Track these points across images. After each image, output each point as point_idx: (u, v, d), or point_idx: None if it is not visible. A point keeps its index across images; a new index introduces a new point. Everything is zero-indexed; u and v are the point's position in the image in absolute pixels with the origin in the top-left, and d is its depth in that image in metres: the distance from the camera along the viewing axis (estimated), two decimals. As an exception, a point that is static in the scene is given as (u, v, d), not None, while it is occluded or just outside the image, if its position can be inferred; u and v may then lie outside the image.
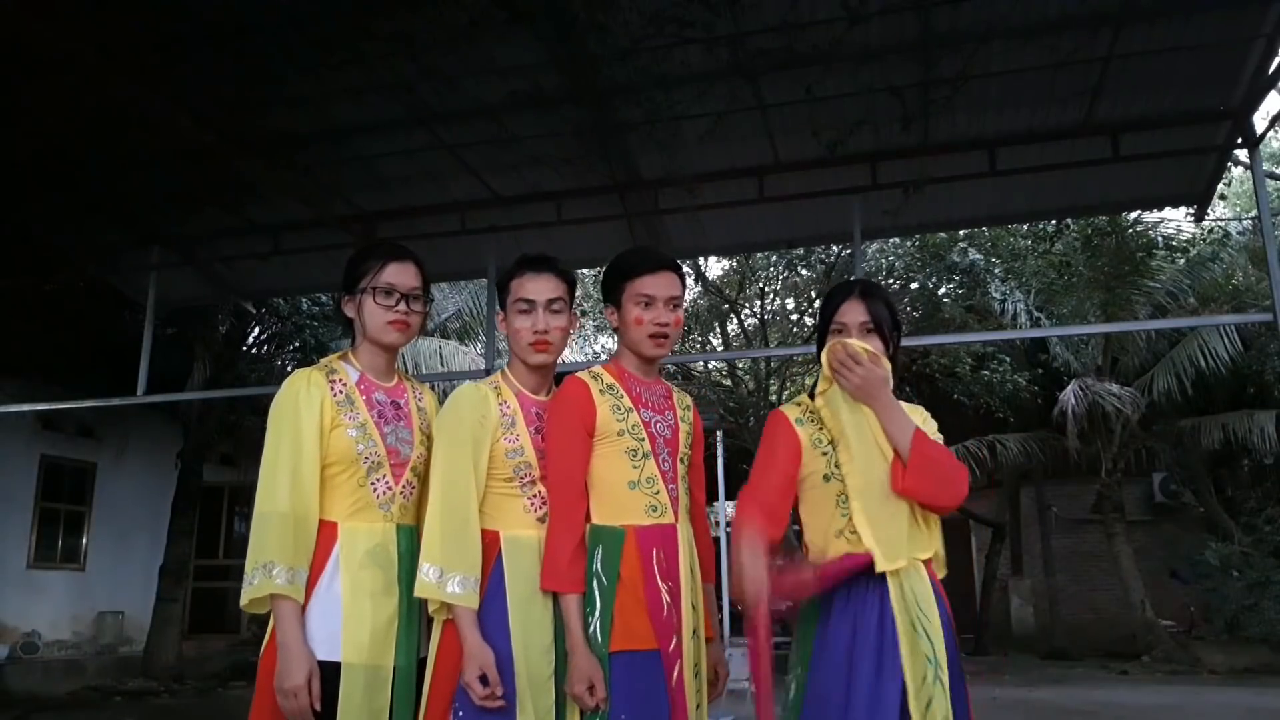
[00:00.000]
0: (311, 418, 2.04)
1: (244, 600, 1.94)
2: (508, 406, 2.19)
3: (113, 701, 9.56)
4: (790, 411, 2.27)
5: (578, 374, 2.22)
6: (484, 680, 1.96)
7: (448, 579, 2.00)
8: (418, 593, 2.02)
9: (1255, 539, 12.84)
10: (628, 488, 2.12)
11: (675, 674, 2.05)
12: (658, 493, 2.14)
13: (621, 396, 2.19)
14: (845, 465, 2.13)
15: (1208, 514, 14.50)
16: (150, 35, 4.36)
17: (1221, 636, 12.74)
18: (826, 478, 2.15)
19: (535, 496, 2.16)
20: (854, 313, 2.19)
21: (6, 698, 9.33)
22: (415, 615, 2.07)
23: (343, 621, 1.97)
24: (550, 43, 4.40)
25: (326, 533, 2.02)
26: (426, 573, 2.01)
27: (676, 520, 2.16)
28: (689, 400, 2.37)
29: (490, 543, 2.09)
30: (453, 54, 4.41)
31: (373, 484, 2.07)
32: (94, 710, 9.10)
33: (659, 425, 2.20)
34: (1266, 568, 12.35)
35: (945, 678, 2.01)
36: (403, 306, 2.15)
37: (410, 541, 2.10)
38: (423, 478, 2.16)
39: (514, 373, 2.28)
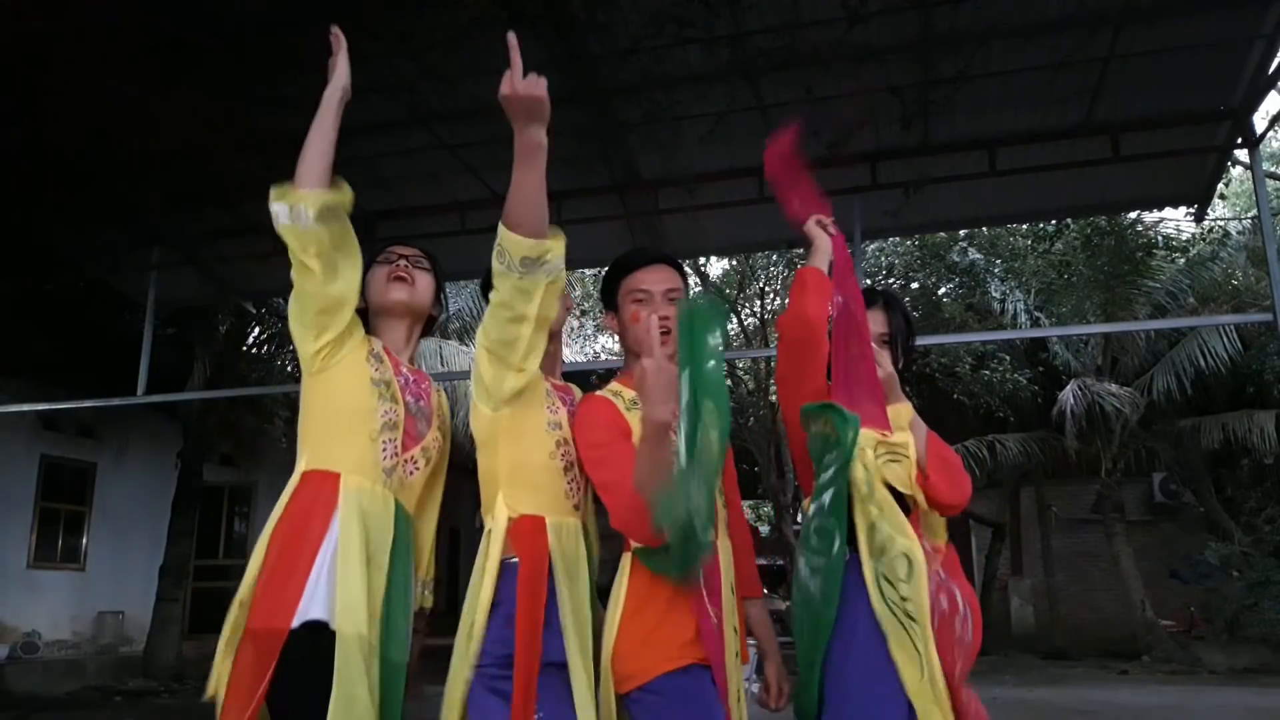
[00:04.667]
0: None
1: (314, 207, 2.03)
2: (545, 383, 2.09)
3: (113, 701, 9.55)
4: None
5: (597, 393, 2.10)
6: None
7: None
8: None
9: (1255, 539, 12.82)
10: None
11: (726, 695, 1.91)
12: None
13: None
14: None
15: (1208, 514, 14.50)
16: (151, 36, 4.37)
17: (1221, 636, 12.74)
18: None
19: (573, 481, 2.03)
20: (874, 323, 2.16)
21: (6, 698, 9.31)
22: (406, 605, 1.93)
23: (337, 582, 1.79)
24: (550, 43, 4.40)
25: (329, 484, 1.89)
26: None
27: (715, 535, 1.97)
28: None
29: (537, 529, 1.94)
30: (453, 54, 4.42)
31: (382, 444, 1.97)
32: (94, 710, 9.08)
33: None
34: (1266, 568, 12.34)
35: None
36: (403, 263, 2.20)
37: (405, 526, 1.99)
38: (435, 467, 2.10)
39: None
